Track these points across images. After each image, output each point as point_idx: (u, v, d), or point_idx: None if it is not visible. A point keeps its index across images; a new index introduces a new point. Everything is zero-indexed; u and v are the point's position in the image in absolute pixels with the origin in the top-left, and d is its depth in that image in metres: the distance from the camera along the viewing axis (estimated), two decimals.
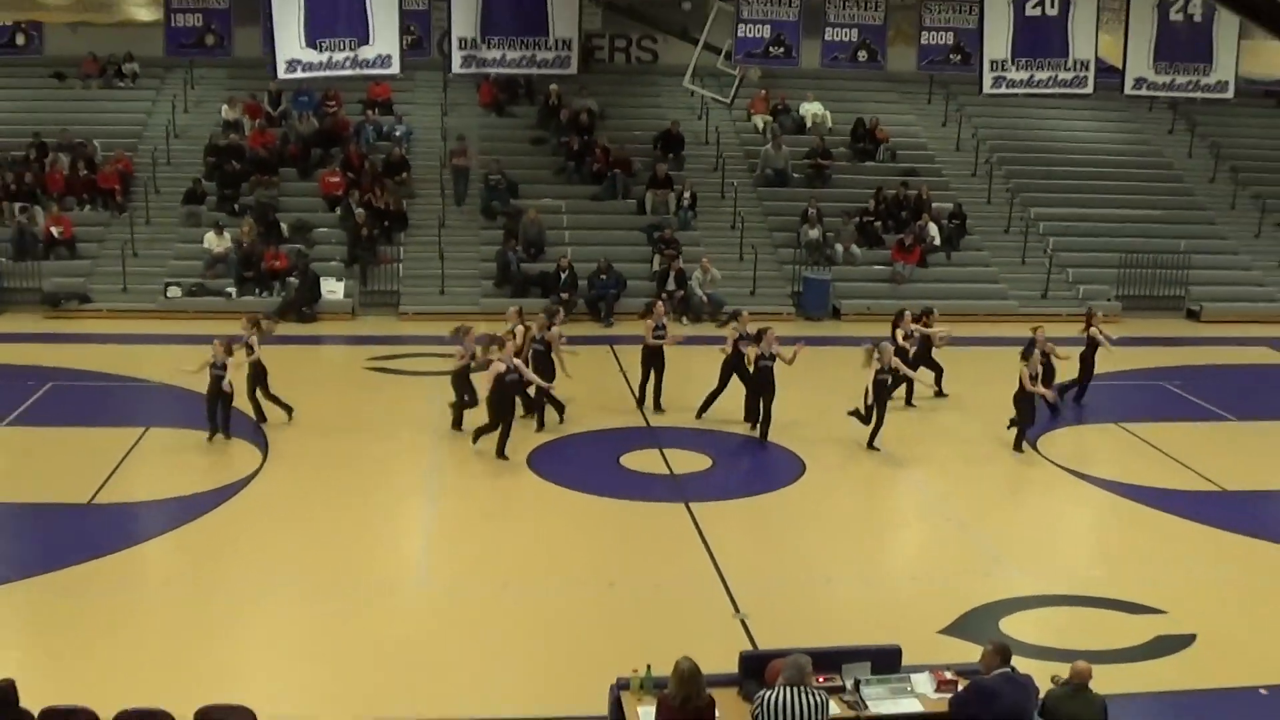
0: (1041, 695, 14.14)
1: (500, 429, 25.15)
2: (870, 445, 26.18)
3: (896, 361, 26.35)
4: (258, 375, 26.74)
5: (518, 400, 26.21)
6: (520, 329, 27.24)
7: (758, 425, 27.00)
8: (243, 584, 19.77)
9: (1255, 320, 38.97)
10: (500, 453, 25.13)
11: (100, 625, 18.37)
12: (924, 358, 29.82)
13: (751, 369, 27.17)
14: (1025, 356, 27.12)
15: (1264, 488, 25.24)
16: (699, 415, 28.08)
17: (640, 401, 29.26)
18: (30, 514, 22.68)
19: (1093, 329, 30.02)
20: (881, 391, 26.15)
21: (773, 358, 26.46)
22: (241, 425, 26.52)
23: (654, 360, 29.06)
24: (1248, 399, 29.49)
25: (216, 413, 26.02)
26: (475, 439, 25.48)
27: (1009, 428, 26.72)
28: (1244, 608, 20.19)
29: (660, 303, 31.67)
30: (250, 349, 26.52)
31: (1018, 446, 26.52)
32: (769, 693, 12.87)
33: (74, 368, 30.92)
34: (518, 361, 25.60)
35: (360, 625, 18.63)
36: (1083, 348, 30.13)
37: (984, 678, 13.74)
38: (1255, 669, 17.80)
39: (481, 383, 25.48)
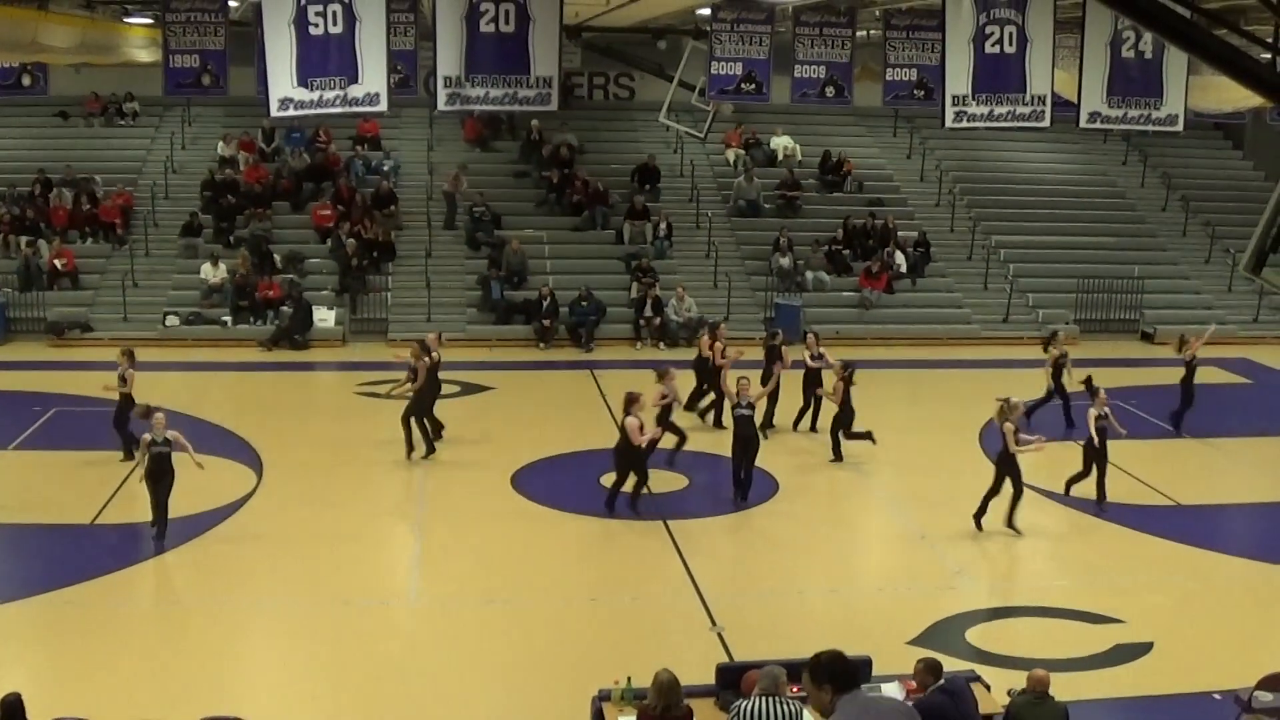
0: (1004, 706, 14.69)
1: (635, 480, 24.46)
2: (1009, 524, 23.75)
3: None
4: (124, 407, 26.43)
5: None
6: (426, 359, 27.38)
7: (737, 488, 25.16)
8: (239, 602, 20.20)
9: (1206, 341, 39.60)
10: (634, 505, 24.39)
11: (103, 642, 18.87)
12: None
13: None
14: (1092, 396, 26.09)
15: (1215, 502, 26.01)
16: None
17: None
18: (35, 534, 23.11)
19: (1052, 349, 31.20)
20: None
21: (750, 406, 24.99)
22: (237, 449, 26.93)
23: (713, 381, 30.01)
24: (1200, 417, 29.94)
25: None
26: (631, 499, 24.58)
27: (1074, 481, 25.54)
28: (1198, 617, 20.81)
29: (713, 328, 32.04)
30: (123, 380, 26.48)
31: (1099, 500, 25.17)
32: (745, 703, 13.00)
33: (77, 394, 31.28)
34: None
35: (352, 641, 19.08)
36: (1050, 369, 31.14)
37: (924, 698, 13.75)
38: (1209, 675, 18.20)
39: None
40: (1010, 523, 23.43)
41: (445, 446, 26.74)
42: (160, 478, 22.20)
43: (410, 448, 26.96)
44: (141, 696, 17.06)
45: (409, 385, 27.43)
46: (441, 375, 28.55)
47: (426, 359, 27.20)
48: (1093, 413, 24.96)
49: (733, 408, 25.03)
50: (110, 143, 46.68)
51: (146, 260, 40.89)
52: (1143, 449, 27.68)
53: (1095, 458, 25.00)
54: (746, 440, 24.84)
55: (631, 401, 23.74)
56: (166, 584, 21.61)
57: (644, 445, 23.89)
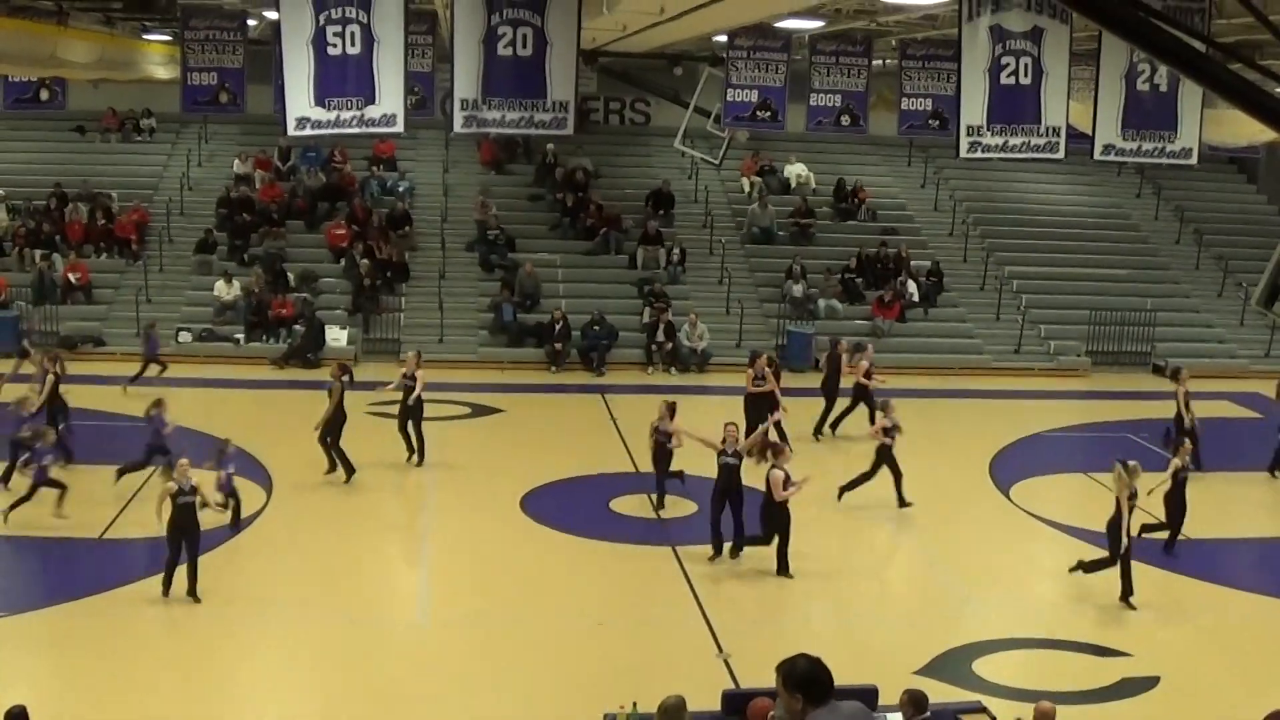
0: None
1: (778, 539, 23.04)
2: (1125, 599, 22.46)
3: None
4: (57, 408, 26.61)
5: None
6: (342, 381, 27.33)
7: (726, 542, 23.72)
8: (246, 619, 20.39)
9: (1217, 375, 39.44)
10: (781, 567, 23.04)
11: (109, 654, 19.04)
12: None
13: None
14: (1174, 450, 25.97)
15: (1225, 536, 25.87)
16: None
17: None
18: (45, 547, 23.26)
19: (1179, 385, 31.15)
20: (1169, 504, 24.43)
21: (736, 455, 23.44)
22: (247, 467, 26.33)
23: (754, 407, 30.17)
24: (1210, 450, 29.43)
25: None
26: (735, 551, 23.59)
27: (1146, 532, 24.55)
28: (1206, 651, 20.84)
29: (761, 356, 32.16)
30: (43, 388, 26.62)
31: (1168, 548, 24.71)
32: None
33: (88, 408, 30.97)
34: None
35: (359, 661, 19.13)
36: None
37: None
38: (1216, 710, 18.35)
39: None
40: (1126, 596, 22.19)
41: (455, 468, 26.78)
42: (189, 531, 20.83)
43: (331, 466, 26.89)
44: (147, 711, 17.15)
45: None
46: (454, 397, 28.68)
47: (341, 381, 27.19)
48: (1175, 463, 24.64)
49: (717, 455, 23.41)
50: (127, 158, 46.92)
51: (160, 276, 41.08)
52: (1154, 482, 27.61)
53: (1176, 509, 24.68)
54: (728, 492, 23.39)
55: (777, 452, 22.75)
56: (174, 599, 21.34)
57: (788, 498, 22.45)
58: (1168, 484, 24.47)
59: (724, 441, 23.42)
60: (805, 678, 8.34)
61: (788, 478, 22.24)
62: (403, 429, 28.14)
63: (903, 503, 26.47)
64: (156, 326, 34.97)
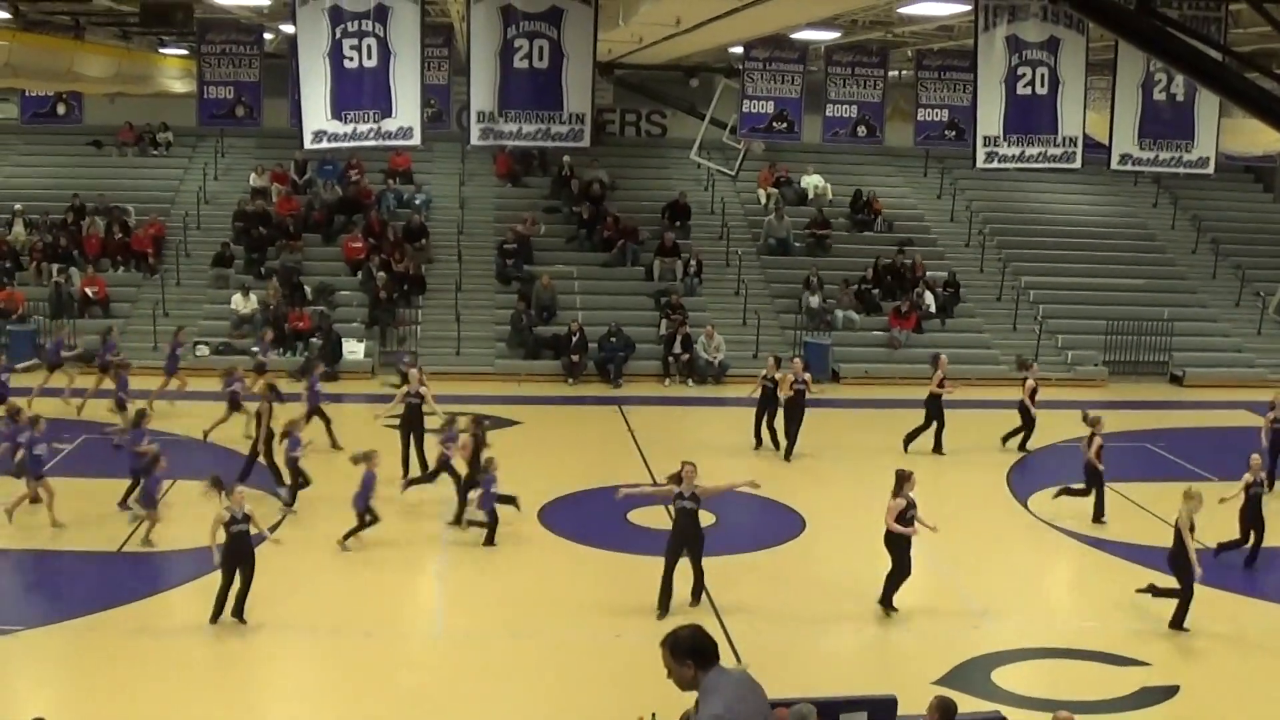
0: None
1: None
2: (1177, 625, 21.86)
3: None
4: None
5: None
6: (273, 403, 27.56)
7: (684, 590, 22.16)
8: (262, 631, 20.35)
9: (1235, 385, 39.74)
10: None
11: (127, 667, 19.08)
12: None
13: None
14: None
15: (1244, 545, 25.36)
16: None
17: (776, 445, 31.14)
18: (63, 561, 23.48)
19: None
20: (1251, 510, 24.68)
21: (694, 498, 21.70)
22: (263, 479, 26.59)
23: (792, 409, 30.89)
24: (1228, 460, 28.97)
25: None
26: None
27: (1229, 549, 24.84)
28: (1225, 660, 20.90)
29: (798, 359, 33.28)
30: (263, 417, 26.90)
31: (1249, 562, 24.87)
32: None
33: (107, 421, 31.33)
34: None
35: (375, 672, 19.18)
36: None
37: None
38: (1235, 719, 18.41)
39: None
40: (1175, 623, 21.78)
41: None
42: (243, 561, 20.47)
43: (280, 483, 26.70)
44: None
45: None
46: (472, 409, 28.69)
47: (270, 400, 27.27)
48: (1247, 478, 24.79)
49: (675, 498, 21.69)
50: (143, 172, 47.12)
51: (178, 290, 41.29)
52: (1172, 491, 27.58)
53: (1252, 523, 24.82)
54: (685, 537, 21.78)
55: (903, 480, 21.96)
56: (192, 612, 21.41)
57: (904, 532, 21.79)
58: (1240, 498, 24.69)
59: (682, 483, 21.74)
60: (692, 645, 8.93)
61: (909, 505, 21.76)
62: (406, 446, 28.12)
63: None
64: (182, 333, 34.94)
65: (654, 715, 14.64)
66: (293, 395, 29.79)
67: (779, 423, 31.29)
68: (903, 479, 21.93)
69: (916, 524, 21.85)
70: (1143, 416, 35.42)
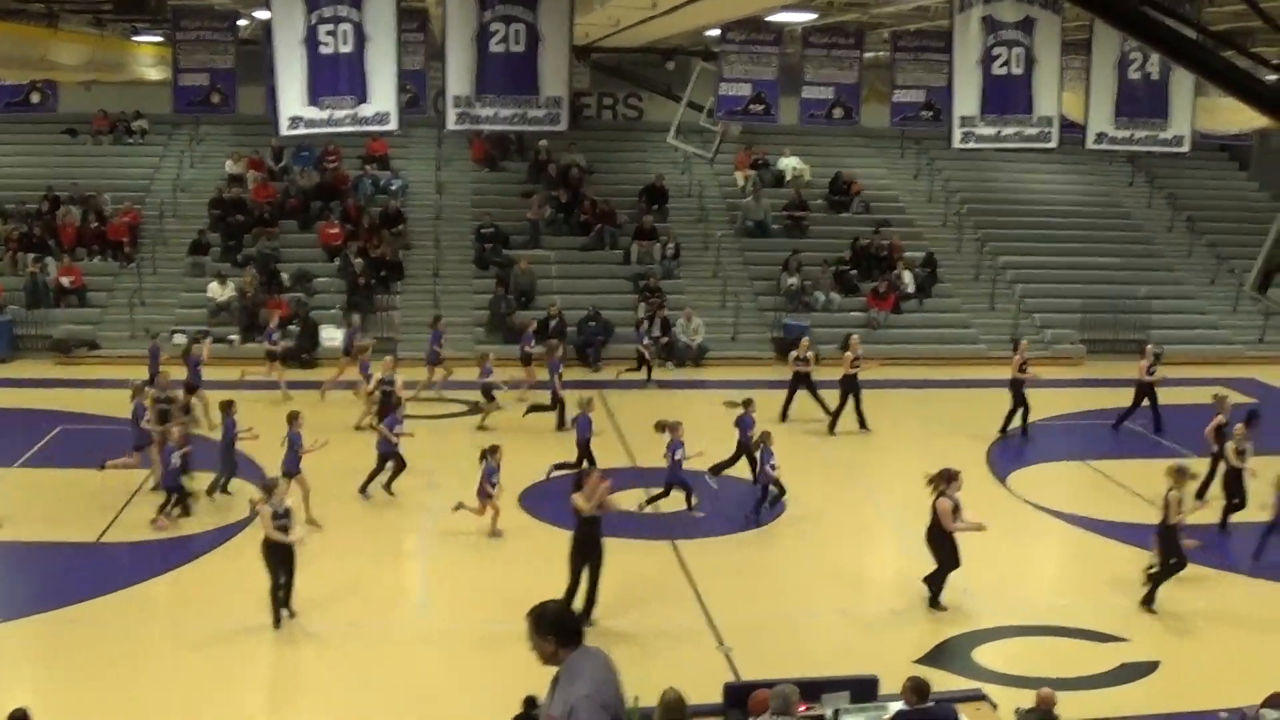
0: None
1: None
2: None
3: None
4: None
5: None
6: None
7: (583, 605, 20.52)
8: (243, 620, 20.22)
9: (1212, 362, 39.92)
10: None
11: (107, 658, 19.02)
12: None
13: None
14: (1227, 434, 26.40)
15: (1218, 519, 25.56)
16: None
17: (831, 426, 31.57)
18: (41, 552, 23.34)
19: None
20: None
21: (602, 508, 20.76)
22: (243, 468, 26.55)
23: (851, 387, 31.51)
24: (1205, 436, 29.56)
25: None
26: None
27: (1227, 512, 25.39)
28: (1203, 635, 21.03)
29: (856, 336, 33.67)
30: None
31: (1221, 526, 25.28)
32: None
33: (83, 412, 31.45)
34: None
35: (357, 661, 19.20)
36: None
37: (905, 712, 14.00)
38: (1215, 693, 18.26)
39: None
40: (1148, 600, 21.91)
41: (453, 465, 26.54)
42: (283, 554, 20.22)
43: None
44: (145, 712, 17.27)
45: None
46: (451, 394, 28.79)
47: (185, 416, 27.11)
48: (1231, 445, 25.61)
49: (577, 511, 20.51)
50: (119, 160, 46.92)
51: (154, 278, 41.17)
52: (1149, 467, 27.67)
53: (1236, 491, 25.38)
54: (587, 546, 20.55)
55: (949, 479, 21.47)
56: (172, 602, 21.67)
57: (955, 530, 21.38)
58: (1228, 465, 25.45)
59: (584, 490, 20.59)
60: (555, 620, 9.06)
61: (957, 507, 21.33)
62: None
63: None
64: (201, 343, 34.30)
65: (636, 699, 14.41)
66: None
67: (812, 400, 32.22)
68: (950, 478, 21.59)
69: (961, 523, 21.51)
70: (1121, 394, 35.34)
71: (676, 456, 25.16)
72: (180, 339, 37.83)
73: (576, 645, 8.91)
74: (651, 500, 25.58)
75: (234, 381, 32.59)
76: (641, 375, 36.77)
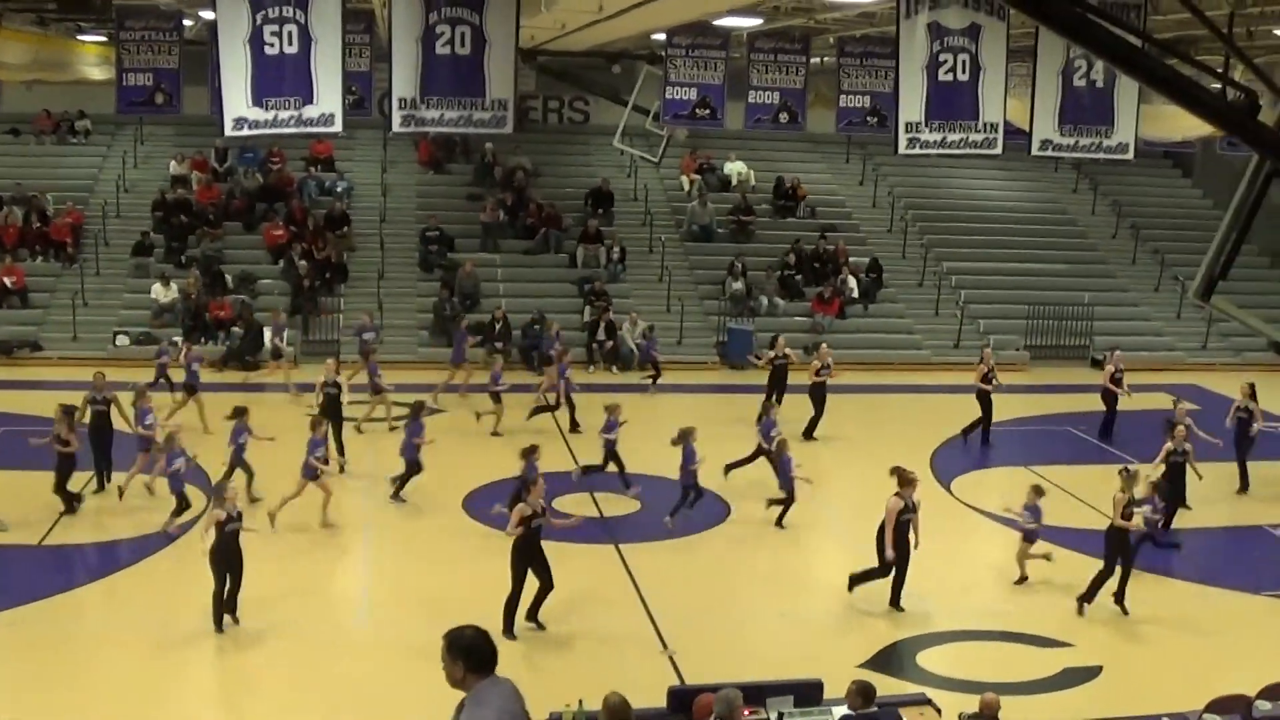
0: None
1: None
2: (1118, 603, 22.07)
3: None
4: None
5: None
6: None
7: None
8: (188, 623, 20.04)
9: (1155, 368, 39.88)
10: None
11: (50, 663, 18.73)
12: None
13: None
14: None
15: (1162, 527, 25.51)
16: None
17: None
18: None
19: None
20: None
21: (543, 512, 20.52)
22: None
23: (819, 394, 31.71)
24: (1148, 443, 29.03)
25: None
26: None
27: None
28: (1146, 640, 21.17)
29: (825, 346, 33.74)
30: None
31: (1165, 525, 24.76)
32: None
33: (26, 413, 31.16)
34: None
35: (298, 664, 19.08)
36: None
37: (850, 716, 14.04)
38: (1157, 698, 18.18)
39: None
40: (1118, 600, 21.95)
41: (396, 469, 26.42)
42: (233, 559, 20.02)
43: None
44: (87, 717, 17.14)
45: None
46: (394, 398, 28.87)
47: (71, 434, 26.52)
48: (1168, 446, 26.10)
49: (534, 516, 20.17)
50: (62, 160, 46.59)
51: (97, 279, 40.82)
52: (1092, 474, 27.79)
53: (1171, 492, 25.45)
54: (529, 551, 20.30)
55: (905, 482, 21.76)
56: (115, 605, 21.48)
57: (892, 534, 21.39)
58: (1162, 468, 25.65)
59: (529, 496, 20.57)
60: (469, 646, 8.78)
61: (906, 508, 21.44)
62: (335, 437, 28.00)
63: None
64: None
65: (580, 702, 14.62)
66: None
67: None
68: (904, 480, 21.79)
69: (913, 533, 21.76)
70: (1064, 400, 35.65)
71: (691, 466, 25.22)
72: (123, 340, 37.76)
73: (487, 674, 8.79)
74: (673, 512, 25.44)
75: (237, 384, 32.38)
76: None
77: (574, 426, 30.65)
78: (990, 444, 32.09)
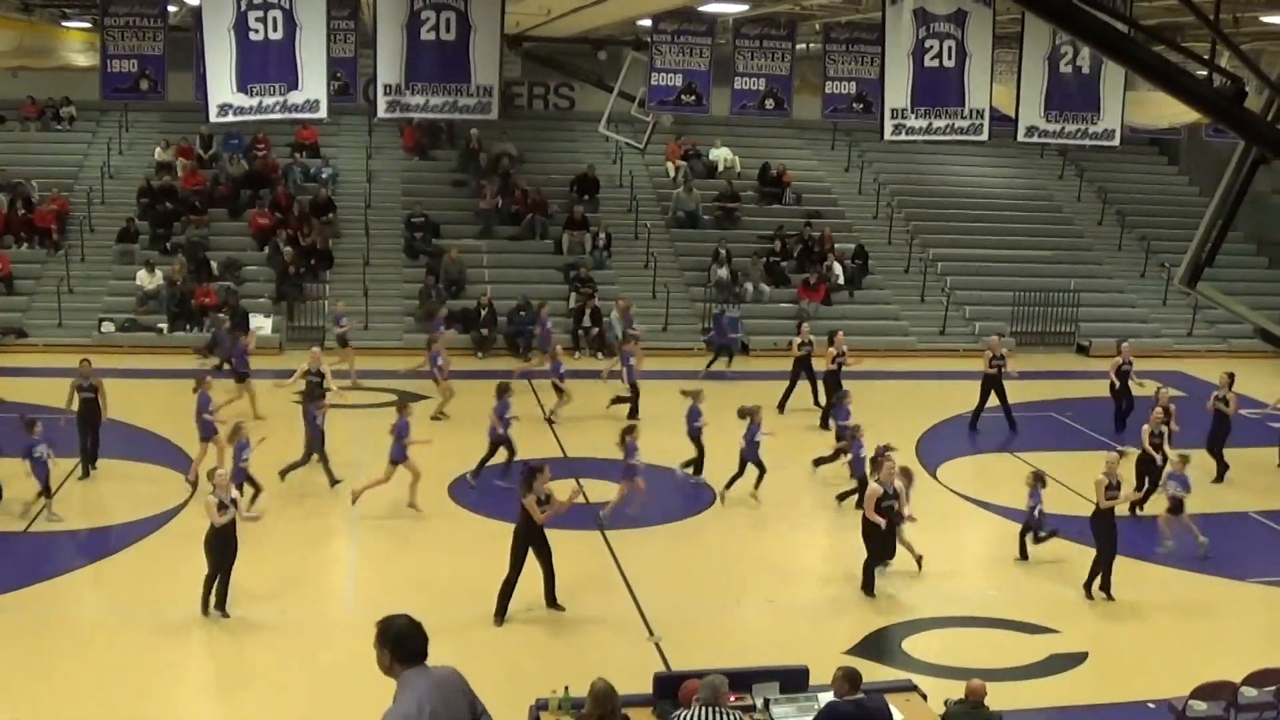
0: (940, 715, 14.94)
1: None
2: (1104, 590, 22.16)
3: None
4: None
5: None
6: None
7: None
8: (175, 609, 20.04)
9: (1141, 354, 39.44)
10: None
11: (36, 650, 18.73)
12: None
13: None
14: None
15: (1149, 513, 25.60)
16: None
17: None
18: None
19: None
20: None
21: (547, 499, 20.66)
22: (171, 457, 26.81)
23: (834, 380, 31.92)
24: (1134, 429, 29.56)
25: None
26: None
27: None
28: (1132, 626, 21.17)
29: (841, 333, 33.72)
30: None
31: (1135, 508, 25.55)
32: (685, 712, 13.06)
33: (11, 400, 30.55)
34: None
35: (288, 651, 19.04)
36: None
37: (835, 702, 13.82)
38: (1143, 684, 18.46)
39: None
40: (1104, 588, 22.05)
41: (382, 456, 26.35)
42: (228, 547, 20.07)
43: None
44: (75, 704, 17.03)
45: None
46: (379, 384, 28.67)
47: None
48: (1147, 428, 26.44)
49: (535, 501, 20.37)
50: (46, 147, 46.45)
51: (82, 266, 40.77)
52: (1079, 459, 27.80)
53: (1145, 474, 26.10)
54: (530, 536, 20.42)
55: (877, 465, 22.33)
56: (100, 592, 21.48)
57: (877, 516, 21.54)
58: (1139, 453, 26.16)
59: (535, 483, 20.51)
60: (397, 636, 8.78)
61: (887, 494, 21.53)
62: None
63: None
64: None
65: (566, 689, 14.66)
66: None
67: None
68: (877, 464, 22.07)
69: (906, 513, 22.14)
70: (1050, 386, 35.67)
71: (756, 438, 25.74)
72: (109, 327, 37.72)
73: (414, 664, 8.77)
74: (729, 483, 26.07)
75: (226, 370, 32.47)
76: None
77: (634, 413, 30.51)
78: (977, 430, 32.10)
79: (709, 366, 36.71)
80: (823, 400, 32.34)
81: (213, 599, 19.91)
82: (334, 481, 26.13)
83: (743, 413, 26.13)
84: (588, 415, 31.39)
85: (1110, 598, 21.91)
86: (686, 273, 43.60)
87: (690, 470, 27.48)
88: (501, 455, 26.76)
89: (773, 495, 26.06)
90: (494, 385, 27.58)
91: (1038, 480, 23.57)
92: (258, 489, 23.99)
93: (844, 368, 32.41)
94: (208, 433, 25.95)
